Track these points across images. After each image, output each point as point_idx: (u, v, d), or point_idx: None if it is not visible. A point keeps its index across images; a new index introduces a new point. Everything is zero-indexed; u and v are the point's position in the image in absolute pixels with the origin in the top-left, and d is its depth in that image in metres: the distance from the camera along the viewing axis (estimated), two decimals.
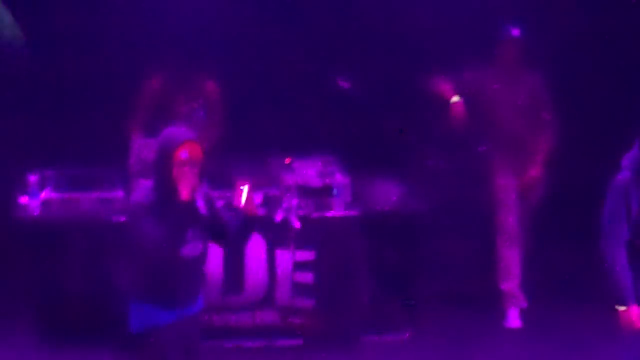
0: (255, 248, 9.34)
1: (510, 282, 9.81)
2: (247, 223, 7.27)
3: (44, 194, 9.31)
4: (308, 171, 9.52)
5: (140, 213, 6.92)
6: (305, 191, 9.42)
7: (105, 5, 10.36)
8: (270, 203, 9.37)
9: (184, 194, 6.89)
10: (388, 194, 9.74)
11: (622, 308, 6.86)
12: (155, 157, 7.01)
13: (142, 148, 9.35)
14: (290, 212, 9.29)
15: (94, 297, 9.13)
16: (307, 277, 9.39)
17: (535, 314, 9.82)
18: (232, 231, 7.21)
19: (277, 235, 9.30)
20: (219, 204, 7.87)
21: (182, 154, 6.86)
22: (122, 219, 9.08)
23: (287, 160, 9.55)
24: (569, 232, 10.36)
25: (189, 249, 7.03)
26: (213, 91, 9.99)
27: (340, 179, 9.48)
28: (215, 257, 9.18)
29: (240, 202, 6.97)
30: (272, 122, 10.28)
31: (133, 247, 7.14)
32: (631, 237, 7.00)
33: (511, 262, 9.83)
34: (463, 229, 10.30)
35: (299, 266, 9.38)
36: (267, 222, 9.26)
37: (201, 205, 7.00)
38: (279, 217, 9.27)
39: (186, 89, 9.98)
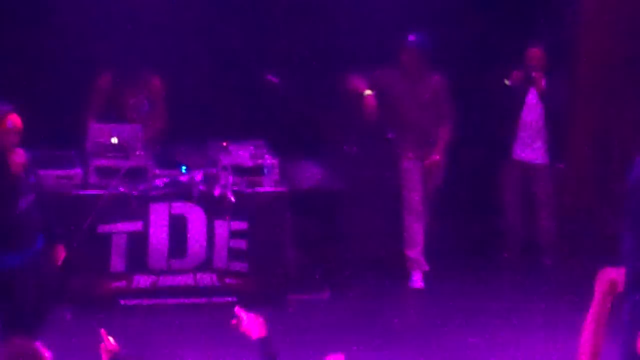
0: (197, 218, 9.35)
1: (415, 249, 9.92)
2: None
3: None
4: (242, 153, 9.52)
5: None
6: (239, 170, 9.41)
7: (65, 11, 10.04)
8: (209, 180, 9.35)
9: (15, 164, 7.37)
10: (311, 173, 9.91)
11: None
12: None
13: (97, 133, 9.37)
14: (227, 188, 9.28)
15: None
16: (241, 244, 9.41)
17: (435, 277, 9.92)
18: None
19: (215, 208, 9.30)
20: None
21: (9, 123, 7.28)
22: (80, 192, 9.21)
23: (224, 144, 9.57)
24: (466, 208, 10.44)
25: (23, 202, 7.44)
26: (157, 86, 9.97)
27: (269, 160, 9.49)
28: (161, 226, 9.31)
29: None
30: (212, 111, 10.15)
31: None
32: None
33: (415, 232, 9.94)
34: (374, 204, 10.37)
35: (234, 234, 9.39)
36: (207, 196, 9.32)
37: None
38: (217, 192, 9.27)
39: (133, 83, 9.94)
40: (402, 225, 10.00)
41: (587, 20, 10.80)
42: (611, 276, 5.81)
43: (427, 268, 9.94)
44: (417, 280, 9.91)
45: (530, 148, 10.29)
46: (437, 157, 9.93)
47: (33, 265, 7.56)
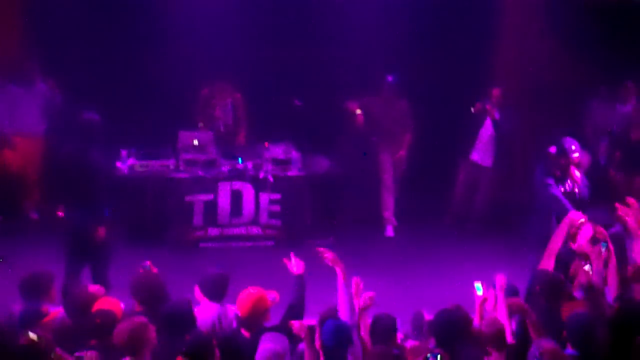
0: (248, 192, 9.51)
1: (388, 211, 10.18)
2: None
3: (129, 161, 9.42)
4: (277, 150, 9.72)
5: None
6: (275, 161, 9.63)
7: (175, 50, 10.08)
8: (256, 167, 9.55)
9: None
10: (321, 163, 9.95)
11: None
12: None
13: (184, 137, 9.53)
14: (268, 172, 9.51)
15: (157, 206, 9.31)
16: (276, 208, 9.60)
17: (401, 229, 10.15)
18: None
19: (260, 185, 9.50)
20: None
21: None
22: (173, 175, 9.39)
23: (266, 144, 9.75)
24: (421, 185, 10.22)
25: None
26: (238, 97, 10.08)
27: (295, 154, 9.70)
28: (225, 196, 9.41)
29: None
30: (259, 123, 10.11)
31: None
32: None
33: (388, 201, 10.17)
34: (362, 183, 10.31)
35: (272, 202, 9.59)
36: (255, 178, 9.47)
37: None
38: (261, 175, 9.48)
39: (222, 96, 10.04)
40: (380, 196, 10.19)
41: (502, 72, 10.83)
42: (571, 216, 6.83)
43: (395, 223, 10.21)
44: (389, 231, 10.17)
45: (482, 154, 10.20)
46: (403, 153, 10.19)
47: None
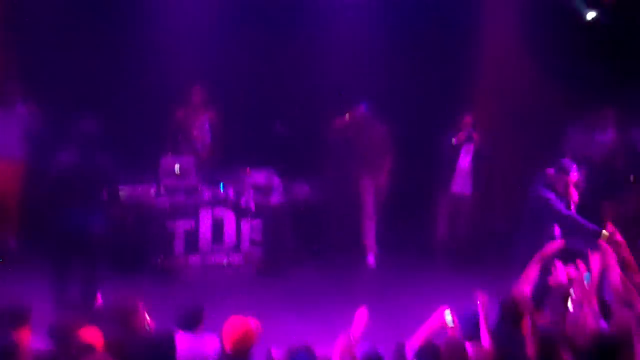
0: (229, 219, 9.55)
1: (369, 239, 10.16)
2: None
3: None
4: (259, 176, 9.70)
5: None
6: (257, 188, 9.63)
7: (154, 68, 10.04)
8: (238, 194, 9.55)
9: None
10: (303, 190, 9.99)
11: None
12: None
13: (166, 163, 9.48)
14: (249, 199, 9.54)
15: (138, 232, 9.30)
16: (257, 236, 9.63)
17: (382, 257, 10.14)
18: None
19: (241, 212, 9.55)
20: None
21: None
22: (154, 201, 9.28)
23: (247, 170, 9.73)
24: (403, 211, 10.32)
25: None
26: (214, 114, 10.08)
27: (276, 181, 9.70)
28: (206, 223, 9.45)
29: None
30: (240, 149, 10.15)
31: None
32: None
33: (369, 228, 10.15)
34: (343, 209, 10.21)
35: (253, 229, 9.61)
36: (236, 204, 9.51)
37: None
38: (242, 202, 9.53)
39: (197, 115, 10.06)
40: (361, 223, 10.12)
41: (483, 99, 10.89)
42: (548, 247, 6.71)
43: (377, 251, 10.16)
44: (370, 259, 10.14)
45: (462, 184, 10.16)
46: (383, 179, 10.12)
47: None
